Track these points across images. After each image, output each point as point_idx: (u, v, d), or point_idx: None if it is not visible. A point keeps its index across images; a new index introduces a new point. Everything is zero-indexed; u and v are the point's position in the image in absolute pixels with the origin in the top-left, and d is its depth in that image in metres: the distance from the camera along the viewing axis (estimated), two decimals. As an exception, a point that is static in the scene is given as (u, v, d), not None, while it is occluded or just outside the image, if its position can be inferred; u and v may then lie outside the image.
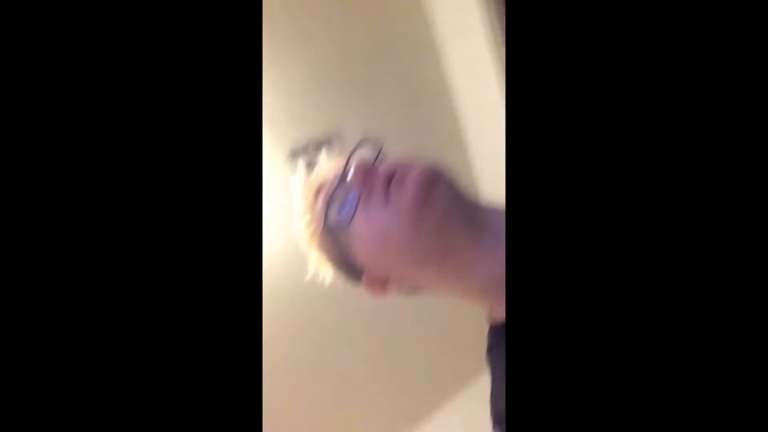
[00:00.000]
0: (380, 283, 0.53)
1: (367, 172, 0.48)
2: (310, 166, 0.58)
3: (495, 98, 1.61)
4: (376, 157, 0.51)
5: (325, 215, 0.50)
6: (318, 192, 0.53)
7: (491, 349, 0.49)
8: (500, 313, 0.47)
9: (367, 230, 0.47)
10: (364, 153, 0.52)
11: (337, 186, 0.49)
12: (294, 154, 1.43)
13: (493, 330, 0.49)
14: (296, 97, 1.48)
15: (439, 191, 0.45)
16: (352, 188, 0.48)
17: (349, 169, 0.49)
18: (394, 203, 0.45)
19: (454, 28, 1.66)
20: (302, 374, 1.50)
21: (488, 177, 1.74)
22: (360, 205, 0.47)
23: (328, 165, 0.55)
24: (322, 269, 0.56)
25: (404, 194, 0.44)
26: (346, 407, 1.60)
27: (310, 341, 1.51)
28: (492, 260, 0.46)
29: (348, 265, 0.53)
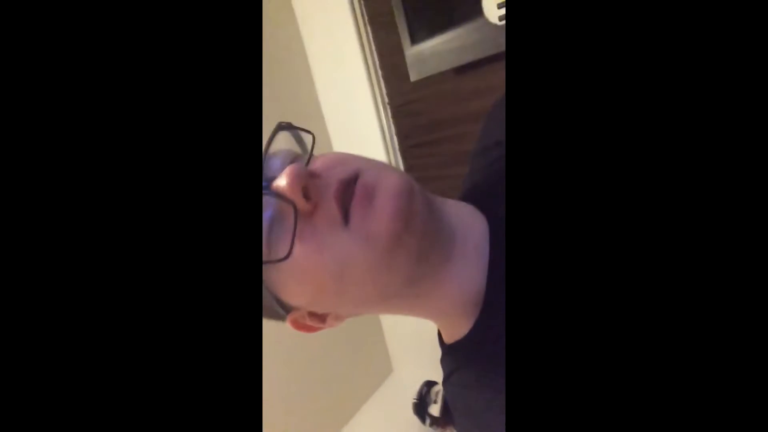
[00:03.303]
0: (315, 322, 0.40)
1: (305, 178, 0.32)
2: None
3: (367, 114, 1.64)
4: (309, 157, 0.36)
5: None
6: None
7: (450, 376, 0.41)
8: (461, 330, 0.40)
9: (313, 264, 0.33)
10: (285, 152, 0.36)
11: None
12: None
13: (452, 350, 0.42)
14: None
15: (417, 207, 0.34)
16: (284, 201, 0.33)
17: (273, 173, 0.33)
18: (359, 228, 0.33)
19: (328, 44, 1.67)
20: None
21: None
22: (300, 229, 0.33)
23: None
24: None
25: (377, 218, 0.32)
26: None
27: None
28: (465, 275, 0.39)
29: (270, 309, 0.39)
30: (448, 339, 0.42)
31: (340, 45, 1.58)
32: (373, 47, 1.52)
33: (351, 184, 0.33)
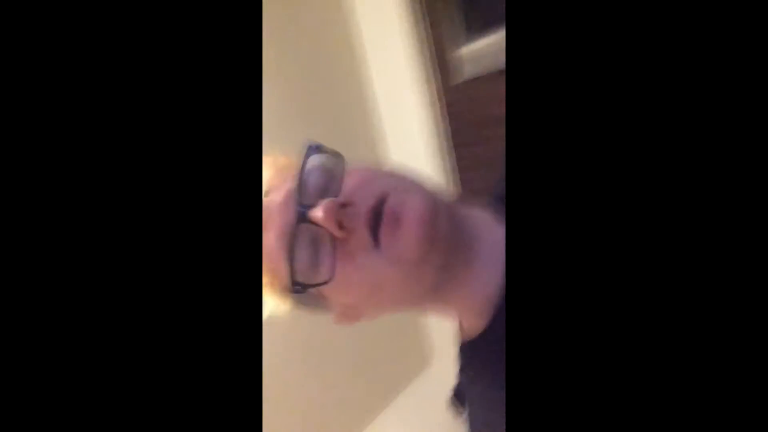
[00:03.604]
0: (353, 318, 0.45)
1: (338, 212, 0.36)
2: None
3: (417, 109, 1.65)
4: (340, 182, 0.39)
5: (291, 268, 0.38)
6: (265, 226, 0.40)
7: (462, 370, 0.46)
8: (478, 328, 0.44)
9: (351, 282, 0.38)
10: (315, 173, 0.40)
11: (297, 227, 0.37)
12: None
13: (466, 348, 0.46)
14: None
15: (442, 226, 0.38)
16: (321, 231, 0.37)
17: (309, 198, 0.38)
18: (389, 251, 0.37)
19: (380, 40, 1.68)
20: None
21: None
22: (337, 253, 0.37)
23: (272, 199, 0.40)
24: (279, 308, 0.46)
25: (404, 242, 0.36)
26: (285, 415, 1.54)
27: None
28: (485, 276, 0.42)
29: (315, 307, 0.44)
30: (465, 335, 0.46)
31: (393, 43, 1.59)
32: (427, 45, 1.52)
33: (379, 208, 0.37)
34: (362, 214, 0.37)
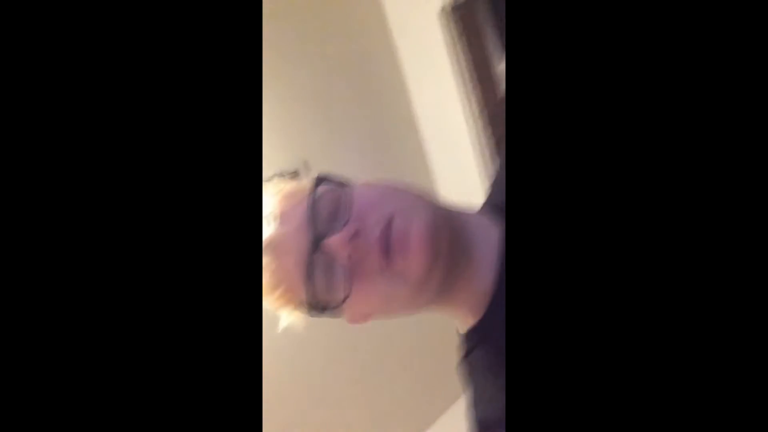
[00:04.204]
0: (364, 321, 0.48)
1: (350, 246, 0.40)
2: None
3: (462, 128, 1.65)
4: (348, 214, 0.42)
5: (311, 294, 0.41)
6: (281, 253, 0.42)
7: (467, 355, 0.49)
8: (475, 319, 0.47)
9: (365, 299, 0.42)
10: (325, 194, 0.43)
11: (312, 256, 0.41)
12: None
13: (468, 335, 0.49)
14: (266, 130, 1.48)
15: (444, 242, 0.42)
16: (336, 263, 0.40)
17: (322, 227, 0.41)
18: (400, 272, 0.41)
19: (420, 60, 1.71)
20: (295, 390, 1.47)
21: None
22: (351, 274, 0.41)
23: (286, 229, 0.43)
24: (296, 320, 0.48)
25: (413, 264, 0.40)
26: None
27: (302, 359, 1.49)
28: (482, 275, 0.46)
29: (328, 314, 0.47)
30: (462, 328, 0.50)
31: (433, 57, 1.60)
32: (466, 64, 1.53)
33: (387, 232, 0.41)
34: (373, 240, 0.41)
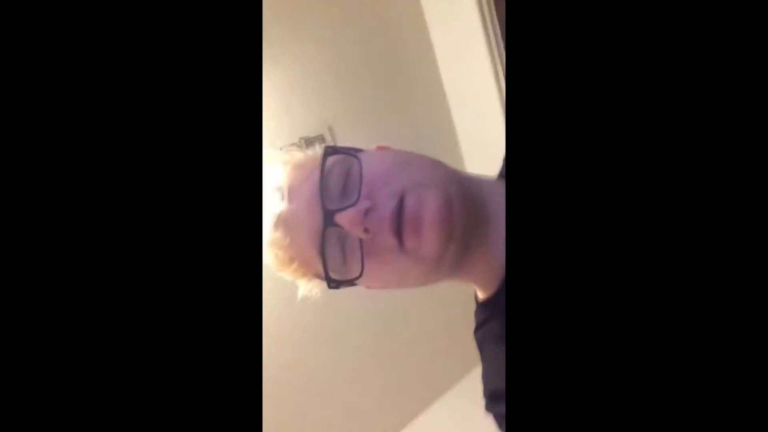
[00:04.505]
0: (379, 289, 0.49)
1: (363, 221, 0.39)
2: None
3: (491, 98, 1.59)
4: (359, 186, 0.41)
5: (325, 267, 0.41)
6: (292, 228, 0.42)
7: (480, 327, 0.49)
8: (490, 290, 0.47)
9: (380, 275, 0.42)
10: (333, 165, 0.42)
11: (325, 231, 0.40)
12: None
13: (482, 306, 0.49)
14: (288, 96, 1.47)
15: (458, 218, 0.40)
16: (349, 236, 0.40)
17: (332, 201, 0.40)
18: (413, 251, 0.40)
19: (450, 27, 1.64)
20: (296, 376, 1.52)
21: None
22: (365, 250, 0.40)
23: (298, 203, 0.42)
24: (312, 288, 0.48)
25: (427, 243, 0.39)
26: (337, 409, 1.61)
27: (302, 343, 1.52)
28: (498, 247, 0.44)
29: (344, 286, 0.47)
30: (481, 297, 0.50)
31: (463, 28, 1.54)
32: (495, 28, 1.46)
33: (399, 208, 0.40)
34: (385, 218, 0.39)
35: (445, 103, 1.79)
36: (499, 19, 1.48)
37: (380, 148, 0.48)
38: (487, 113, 1.64)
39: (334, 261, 0.41)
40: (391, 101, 1.70)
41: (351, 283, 0.43)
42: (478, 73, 1.59)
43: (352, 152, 0.43)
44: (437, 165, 0.44)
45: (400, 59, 1.69)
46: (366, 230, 0.39)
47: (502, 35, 1.49)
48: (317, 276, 0.45)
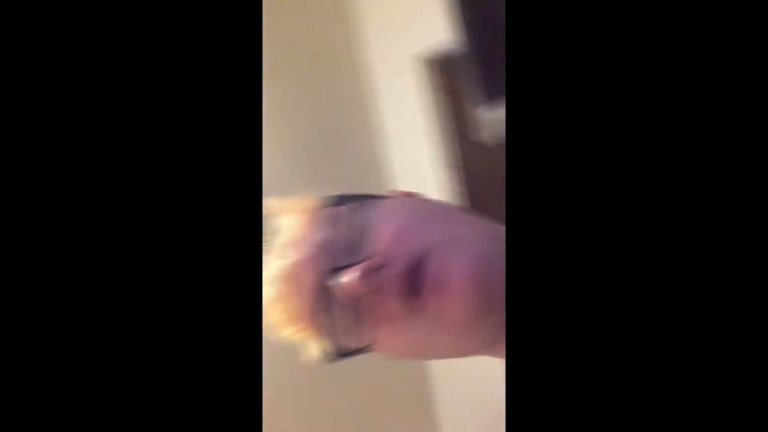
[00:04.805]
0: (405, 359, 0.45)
1: (370, 283, 0.34)
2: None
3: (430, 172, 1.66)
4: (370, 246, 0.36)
5: (329, 335, 0.37)
6: (294, 284, 0.37)
7: None
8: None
9: (393, 344, 0.37)
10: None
11: (328, 292, 0.36)
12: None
13: None
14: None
15: (497, 284, 0.33)
16: (350, 298, 0.35)
17: (338, 272, 0.35)
18: (436, 316, 0.34)
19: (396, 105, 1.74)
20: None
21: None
22: (376, 315, 0.35)
23: (300, 258, 0.38)
24: (316, 350, 0.41)
25: (452, 310, 0.33)
26: None
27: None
28: None
29: (354, 354, 0.41)
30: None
31: (410, 109, 1.63)
32: (445, 111, 1.56)
33: (416, 267, 0.34)
34: (395, 277, 0.34)
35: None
36: (451, 110, 1.58)
37: (406, 194, 0.44)
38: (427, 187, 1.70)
39: (341, 327, 0.36)
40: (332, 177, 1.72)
41: (361, 351, 0.37)
42: (421, 153, 1.67)
43: (369, 200, 0.39)
44: (473, 221, 0.40)
45: (340, 135, 1.74)
46: (374, 291, 0.34)
47: (453, 125, 1.59)
48: (326, 341, 0.39)
